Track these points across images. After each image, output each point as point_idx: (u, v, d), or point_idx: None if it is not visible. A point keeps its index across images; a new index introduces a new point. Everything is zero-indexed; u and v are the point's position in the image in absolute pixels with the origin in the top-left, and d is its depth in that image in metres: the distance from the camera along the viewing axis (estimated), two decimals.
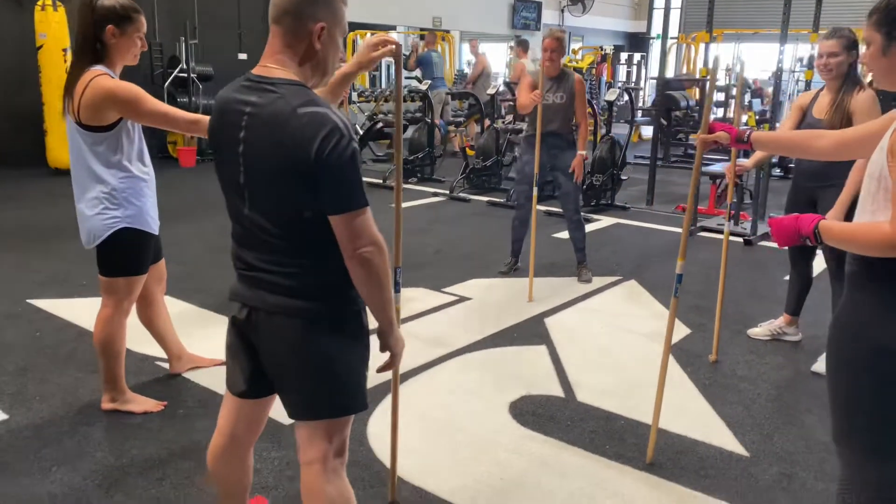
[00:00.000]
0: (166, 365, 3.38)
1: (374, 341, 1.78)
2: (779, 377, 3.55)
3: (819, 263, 3.86)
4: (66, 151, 8.88)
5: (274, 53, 1.64)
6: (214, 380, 3.28)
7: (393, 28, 14.40)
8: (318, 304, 1.67)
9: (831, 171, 3.37)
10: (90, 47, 2.63)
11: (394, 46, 1.96)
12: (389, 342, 1.76)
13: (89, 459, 2.65)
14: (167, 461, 2.65)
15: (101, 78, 2.57)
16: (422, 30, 13.43)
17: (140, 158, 2.76)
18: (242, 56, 10.66)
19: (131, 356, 3.41)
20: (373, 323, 1.75)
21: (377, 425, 2.95)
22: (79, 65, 2.62)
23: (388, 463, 2.61)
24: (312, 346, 1.68)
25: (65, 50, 7.98)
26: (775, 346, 3.93)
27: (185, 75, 9.30)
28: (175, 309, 4.09)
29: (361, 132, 9.14)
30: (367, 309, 1.73)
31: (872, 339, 1.75)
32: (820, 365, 3.50)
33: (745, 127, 2.58)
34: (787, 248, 4.01)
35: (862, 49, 1.96)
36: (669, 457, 2.80)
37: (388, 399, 3.13)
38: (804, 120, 3.70)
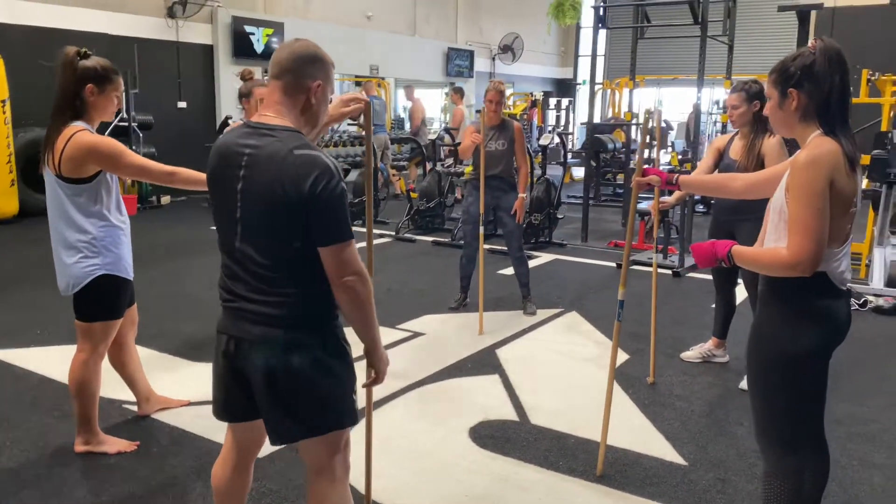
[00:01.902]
0: (134, 408, 3.47)
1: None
2: (710, 395, 3.89)
3: (741, 292, 4.26)
4: (8, 202, 8.74)
5: (273, 104, 1.87)
6: (184, 419, 3.39)
7: None
8: (301, 333, 1.84)
9: (745, 206, 3.78)
10: (69, 104, 2.79)
11: (363, 104, 2.22)
12: (374, 360, 1.97)
13: (69, 498, 2.73)
14: (146, 497, 2.75)
15: (82, 133, 2.74)
16: (357, 76, 13.78)
17: (118, 208, 2.92)
18: (182, 104, 10.77)
19: (99, 400, 3.49)
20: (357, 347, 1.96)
21: None
22: (60, 120, 2.78)
23: (359, 486, 2.80)
24: (301, 373, 1.83)
25: (3, 101, 7.95)
26: (706, 367, 4.28)
27: (126, 124, 9.32)
28: None
29: None
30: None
31: (778, 346, 2.09)
32: (746, 382, 3.86)
33: (675, 170, 2.95)
34: (712, 277, 4.42)
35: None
36: (617, 469, 3.06)
37: (357, 426, 3.32)
38: (721, 160, 4.13)
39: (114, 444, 3.09)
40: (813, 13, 7.96)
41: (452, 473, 3.00)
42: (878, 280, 5.81)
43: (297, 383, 1.85)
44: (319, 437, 1.92)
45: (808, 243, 1.94)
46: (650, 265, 5.61)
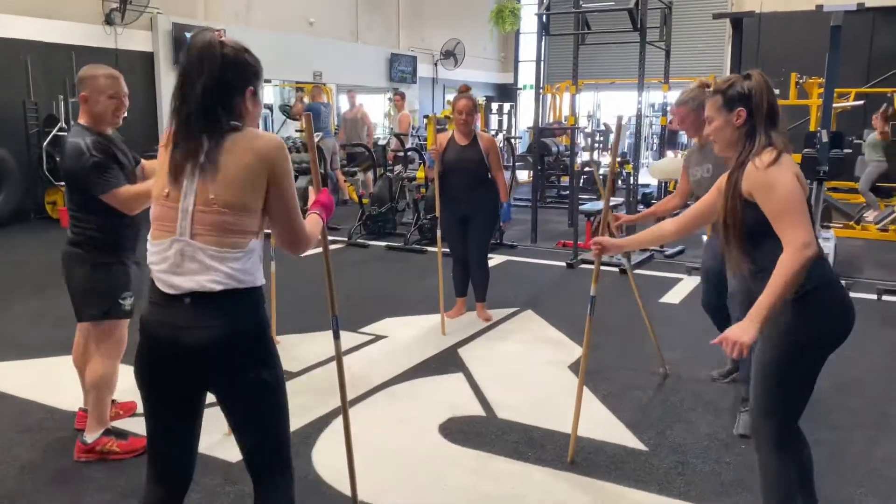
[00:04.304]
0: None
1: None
2: (665, 384, 4.09)
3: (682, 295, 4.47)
4: None
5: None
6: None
7: (268, 81, 14.59)
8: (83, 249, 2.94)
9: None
10: None
11: None
12: None
13: None
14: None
15: None
16: (298, 83, 13.72)
17: None
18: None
19: (55, 412, 3.46)
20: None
21: (320, 453, 3.18)
22: None
23: (336, 485, 2.89)
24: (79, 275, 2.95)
25: None
26: (657, 359, 4.47)
27: (66, 134, 9.06)
28: None
29: None
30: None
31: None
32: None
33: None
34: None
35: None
36: (584, 456, 3.21)
37: (329, 429, 3.41)
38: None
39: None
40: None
41: (428, 469, 3.09)
42: None
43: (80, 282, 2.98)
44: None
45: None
46: (604, 265, 5.81)
